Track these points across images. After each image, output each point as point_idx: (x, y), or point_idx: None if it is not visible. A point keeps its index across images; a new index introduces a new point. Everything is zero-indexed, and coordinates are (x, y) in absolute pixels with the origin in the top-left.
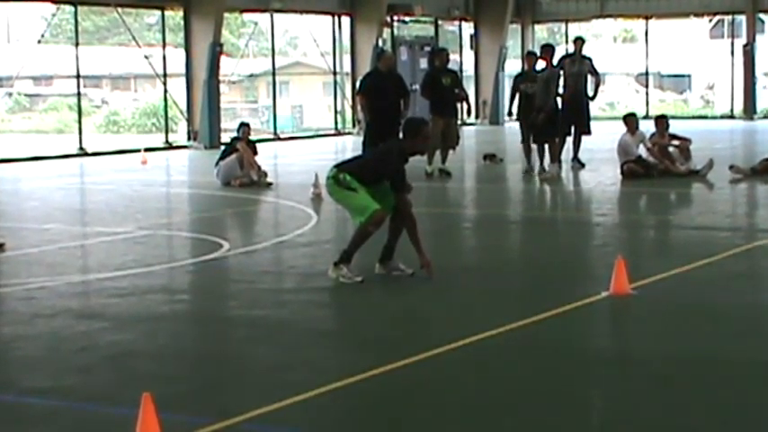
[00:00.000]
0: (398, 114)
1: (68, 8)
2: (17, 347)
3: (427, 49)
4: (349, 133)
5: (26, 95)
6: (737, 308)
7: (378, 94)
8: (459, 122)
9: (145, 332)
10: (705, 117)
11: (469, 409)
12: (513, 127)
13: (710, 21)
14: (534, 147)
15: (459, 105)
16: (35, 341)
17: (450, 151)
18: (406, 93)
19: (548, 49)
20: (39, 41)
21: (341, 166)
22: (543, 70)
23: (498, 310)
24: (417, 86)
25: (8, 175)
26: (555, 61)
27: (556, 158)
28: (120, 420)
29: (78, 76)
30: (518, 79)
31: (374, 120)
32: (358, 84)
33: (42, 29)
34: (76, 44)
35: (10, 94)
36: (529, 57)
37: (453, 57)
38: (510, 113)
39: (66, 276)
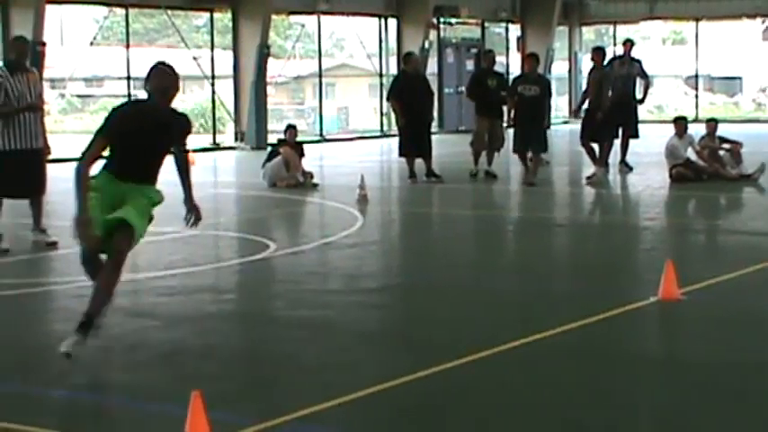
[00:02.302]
0: (429, 114)
1: (119, 10)
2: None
3: (473, 51)
4: (395, 135)
5: (78, 96)
6: None
7: (409, 96)
8: (504, 124)
9: (193, 331)
10: (757, 120)
11: (515, 412)
12: (559, 129)
13: (763, 22)
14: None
15: (504, 107)
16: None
17: (495, 153)
18: (432, 93)
19: (598, 52)
20: (91, 43)
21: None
22: (592, 72)
23: (546, 313)
24: (463, 88)
25: (61, 174)
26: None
27: (603, 162)
28: (169, 418)
29: (129, 78)
30: (516, 81)
31: (408, 122)
32: (387, 89)
33: (94, 31)
34: (127, 46)
35: (63, 96)
36: (528, 58)
37: (499, 59)
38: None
39: None
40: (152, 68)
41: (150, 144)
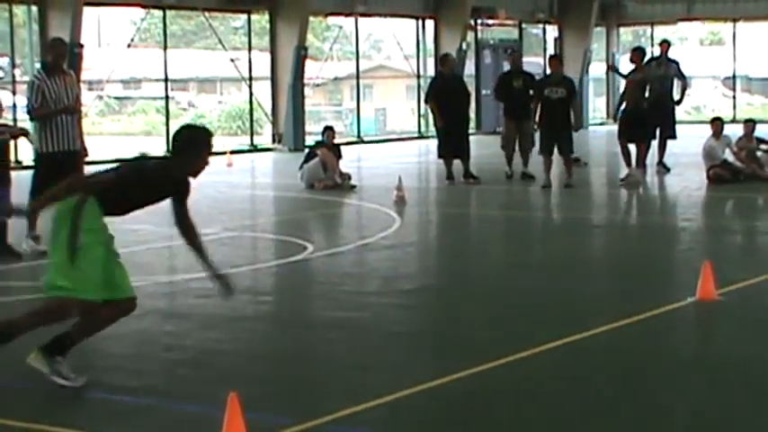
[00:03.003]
0: (467, 115)
1: (157, 12)
2: (107, 346)
3: (516, 52)
4: (432, 136)
5: (115, 98)
6: None
7: (447, 97)
8: (534, 125)
9: (230, 332)
10: None
11: (552, 413)
12: (597, 130)
13: None
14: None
15: (531, 107)
16: (124, 340)
17: (529, 154)
18: (469, 94)
19: (638, 52)
20: (128, 45)
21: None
22: (632, 72)
23: (584, 313)
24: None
25: None
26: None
27: (641, 163)
28: (206, 419)
29: (166, 80)
30: (542, 84)
31: (446, 123)
32: (425, 91)
33: (132, 33)
34: (164, 48)
35: (100, 98)
36: (553, 60)
37: (537, 60)
38: (534, 122)
39: (154, 277)
40: (190, 136)
41: (153, 202)
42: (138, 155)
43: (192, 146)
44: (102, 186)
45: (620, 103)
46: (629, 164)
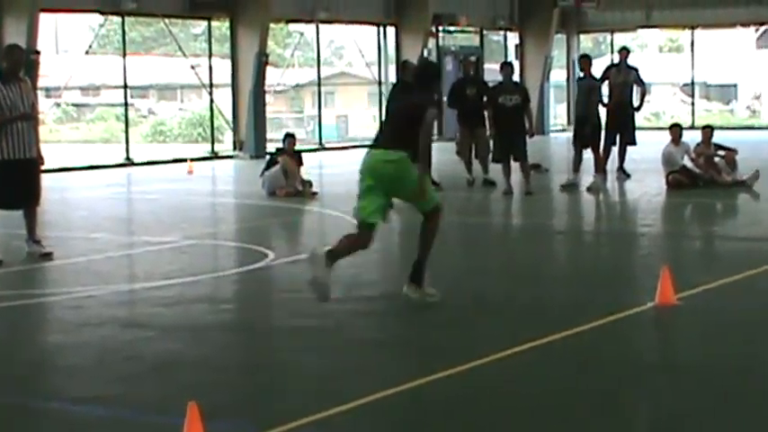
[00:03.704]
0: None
1: (116, 18)
2: (64, 356)
3: (472, 59)
4: None
5: (74, 105)
6: None
7: None
8: (489, 132)
9: (190, 341)
10: (751, 127)
11: (515, 419)
12: (558, 137)
13: (757, 30)
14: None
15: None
16: (82, 350)
17: (487, 160)
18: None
19: (586, 60)
20: (86, 52)
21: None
22: (583, 80)
23: (545, 319)
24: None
25: (56, 184)
26: (593, 71)
27: (600, 169)
28: (166, 430)
29: (125, 87)
30: (495, 91)
31: None
32: (387, 98)
33: (90, 39)
34: (124, 54)
35: (58, 105)
36: (505, 66)
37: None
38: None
39: (113, 285)
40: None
41: None
42: None
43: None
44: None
45: (577, 111)
46: (576, 170)
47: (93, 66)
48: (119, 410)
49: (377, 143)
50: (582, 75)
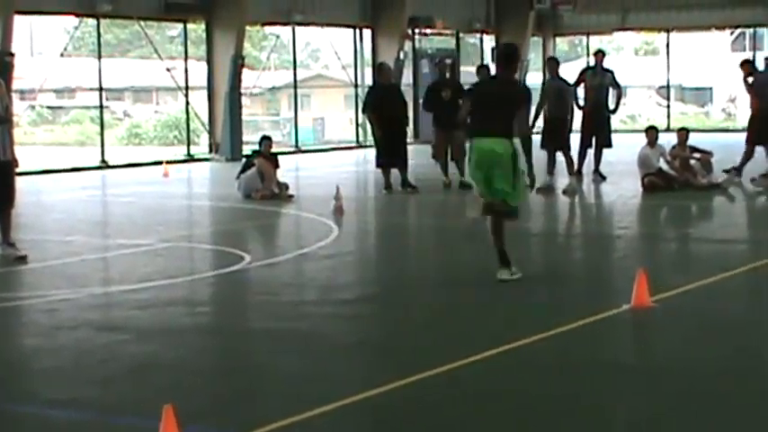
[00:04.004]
0: (405, 124)
1: (91, 21)
2: (39, 359)
3: (448, 61)
4: (370, 146)
5: (48, 108)
6: (758, 322)
7: (383, 107)
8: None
9: (166, 344)
10: (726, 130)
11: (493, 421)
12: (535, 139)
13: (732, 33)
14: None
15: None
16: (57, 353)
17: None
18: (405, 102)
19: (553, 62)
20: (61, 54)
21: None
22: (551, 81)
23: (520, 322)
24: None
25: (31, 187)
26: (566, 75)
27: (572, 171)
28: None
29: (101, 89)
30: (469, 94)
31: (384, 133)
32: (363, 101)
33: (65, 41)
34: (99, 57)
35: (33, 107)
36: (481, 69)
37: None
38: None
39: (88, 288)
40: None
41: None
42: None
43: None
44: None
45: (538, 113)
46: (550, 172)
47: (68, 68)
48: (94, 413)
49: (484, 131)
50: (549, 77)
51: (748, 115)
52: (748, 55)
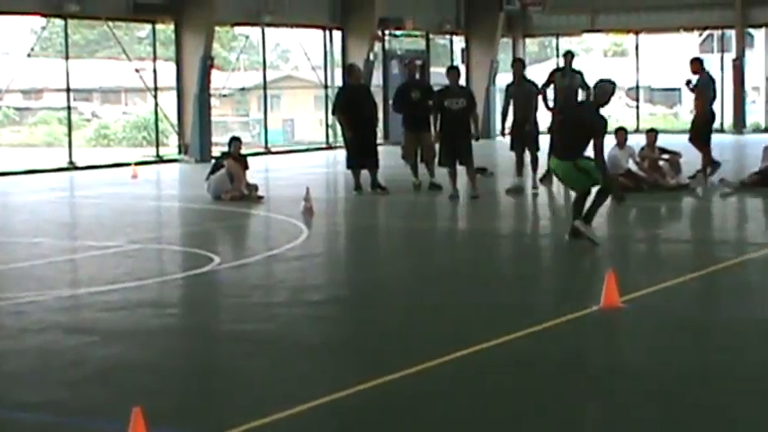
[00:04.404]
0: (375, 125)
1: (58, 21)
2: (6, 362)
3: (418, 62)
4: (340, 147)
5: (15, 109)
6: (726, 321)
7: (354, 108)
8: (434, 136)
9: (135, 346)
10: None
11: (460, 423)
12: (503, 140)
13: (700, 35)
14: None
15: (430, 118)
16: (25, 356)
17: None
18: (375, 103)
19: (519, 64)
20: (28, 55)
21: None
22: (518, 83)
23: (489, 324)
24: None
25: None
26: (534, 76)
27: (537, 170)
28: None
29: (68, 90)
30: (441, 95)
31: (354, 134)
32: (333, 102)
33: (32, 42)
34: (66, 57)
35: None
36: (452, 71)
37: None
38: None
39: (56, 291)
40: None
41: None
42: None
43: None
44: None
45: (505, 116)
46: (520, 173)
47: (36, 69)
48: (62, 416)
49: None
50: (515, 78)
51: (691, 116)
52: (716, 57)
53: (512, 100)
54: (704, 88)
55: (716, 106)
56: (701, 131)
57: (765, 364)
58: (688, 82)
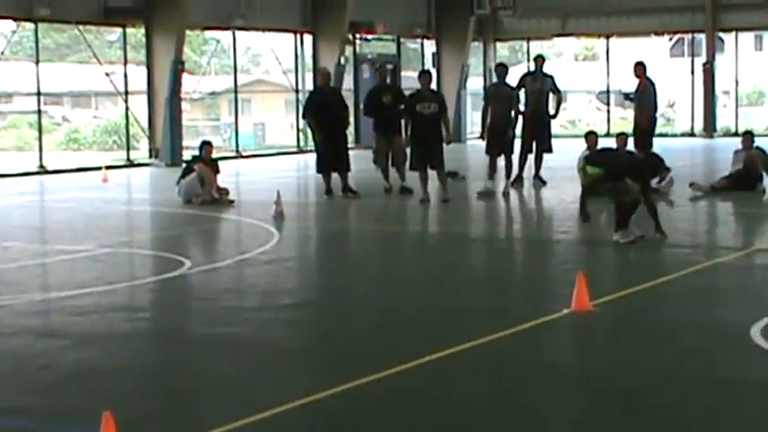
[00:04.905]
0: (345, 128)
1: (29, 25)
2: None
3: (389, 66)
4: (311, 151)
5: None
6: (695, 324)
7: (325, 112)
8: (404, 139)
9: (107, 350)
10: (666, 135)
11: (433, 425)
12: (475, 144)
13: (671, 39)
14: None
15: (402, 122)
16: None
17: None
18: (346, 106)
19: (503, 68)
20: None
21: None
22: (498, 87)
23: (461, 327)
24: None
25: None
26: (508, 80)
27: (511, 175)
28: None
29: (39, 94)
30: (413, 99)
31: (325, 138)
32: (303, 106)
33: (2, 46)
34: (37, 61)
35: None
36: (424, 75)
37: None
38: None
39: (26, 295)
40: None
41: None
42: None
43: None
44: None
45: (485, 119)
46: (492, 177)
47: (6, 73)
48: (33, 421)
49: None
50: (496, 82)
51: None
52: (687, 61)
53: (490, 102)
54: (645, 100)
55: (687, 111)
56: (643, 141)
57: (730, 365)
58: (626, 96)
